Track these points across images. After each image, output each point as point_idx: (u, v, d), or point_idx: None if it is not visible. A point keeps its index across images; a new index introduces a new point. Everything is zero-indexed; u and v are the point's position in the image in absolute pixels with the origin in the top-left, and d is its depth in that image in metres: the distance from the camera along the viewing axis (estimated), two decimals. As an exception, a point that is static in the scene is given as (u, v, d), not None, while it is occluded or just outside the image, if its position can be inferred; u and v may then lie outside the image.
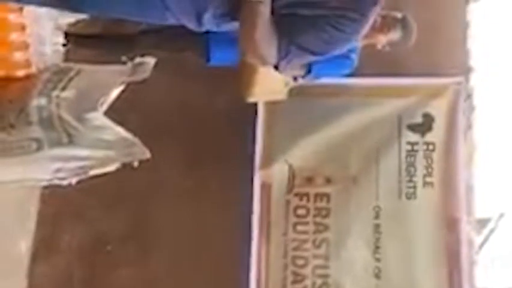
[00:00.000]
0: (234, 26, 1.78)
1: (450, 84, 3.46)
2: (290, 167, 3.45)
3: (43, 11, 2.29)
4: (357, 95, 3.47)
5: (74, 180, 2.15)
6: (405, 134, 3.45)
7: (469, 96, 3.49)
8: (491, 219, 4.44)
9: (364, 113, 3.45)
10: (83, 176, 2.15)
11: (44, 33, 2.37)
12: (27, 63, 2.31)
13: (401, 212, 3.38)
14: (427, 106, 3.46)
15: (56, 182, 2.14)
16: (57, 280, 3.34)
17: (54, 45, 2.46)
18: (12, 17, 2.23)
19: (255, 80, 2.91)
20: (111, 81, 2.29)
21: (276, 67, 1.82)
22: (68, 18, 2.74)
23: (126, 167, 2.18)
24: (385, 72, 3.44)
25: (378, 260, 3.34)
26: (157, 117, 3.44)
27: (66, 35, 2.69)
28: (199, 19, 1.80)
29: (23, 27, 2.26)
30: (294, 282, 3.35)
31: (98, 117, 2.20)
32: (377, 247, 3.34)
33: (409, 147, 3.44)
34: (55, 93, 2.21)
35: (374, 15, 1.82)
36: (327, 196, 3.42)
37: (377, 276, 3.33)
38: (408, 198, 3.39)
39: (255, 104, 3.40)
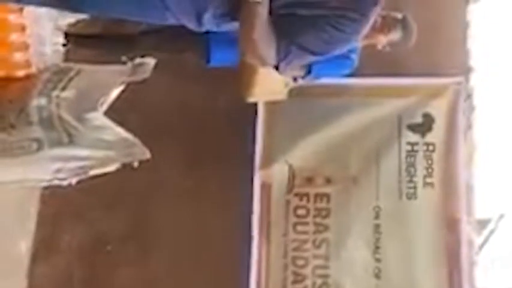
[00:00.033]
0: (234, 26, 1.79)
1: (450, 84, 3.46)
2: (290, 167, 3.45)
3: (43, 11, 2.29)
4: (357, 95, 3.47)
5: (74, 181, 2.14)
6: (405, 134, 3.44)
7: (469, 96, 3.49)
8: (492, 220, 4.44)
9: (364, 113, 3.45)
10: (83, 176, 2.15)
11: (44, 34, 2.37)
12: (27, 64, 2.31)
13: (401, 212, 3.38)
14: (427, 106, 3.46)
15: (56, 182, 2.14)
16: (57, 280, 3.34)
17: (54, 45, 2.46)
18: (12, 18, 2.23)
19: (255, 80, 2.92)
20: (111, 81, 2.30)
21: (276, 68, 1.82)
22: (68, 19, 2.74)
23: (126, 167, 2.18)
24: (385, 72, 3.44)
25: (378, 260, 3.34)
26: (157, 117, 3.44)
27: (66, 35, 2.69)
28: (199, 19, 1.80)
29: (23, 28, 2.26)
30: (294, 282, 3.35)
31: (98, 117, 2.20)
32: (377, 247, 3.34)
33: (409, 147, 3.44)
34: (55, 93, 2.21)
35: (374, 16, 1.82)
36: (327, 196, 3.42)
37: (377, 276, 3.33)
38: (408, 198, 3.39)
39: (255, 104, 3.40)
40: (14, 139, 2.13)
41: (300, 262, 3.36)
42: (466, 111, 3.46)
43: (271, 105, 3.42)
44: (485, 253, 4.15)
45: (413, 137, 3.45)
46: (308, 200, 3.43)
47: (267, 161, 3.44)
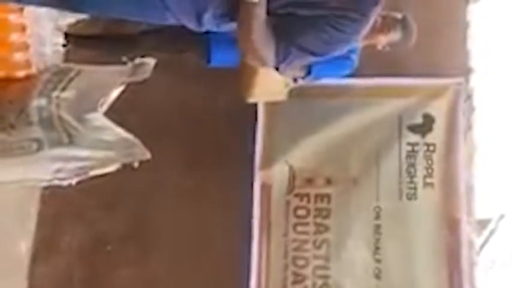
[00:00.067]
0: (233, 26, 1.79)
1: (450, 84, 3.46)
2: (290, 167, 3.45)
3: (43, 11, 2.29)
4: (357, 96, 3.47)
5: (74, 181, 2.15)
6: (405, 134, 3.44)
7: (469, 97, 3.48)
8: (492, 220, 4.44)
9: (364, 114, 3.45)
10: (83, 177, 2.15)
11: (44, 34, 2.37)
12: (28, 64, 2.31)
13: (401, 212, 3.38)
14: (427, 107, 3.46)
15: (56, 182, 2.14)
16: (58, 280, 3.34)
17: (54, 45, 2.46)
18: (13, 18, 2.23)
19: (255, 81, 2.92)
20: (111, 81, 2.30)
21: (277, 68, 1.82)
22: (68, 19, 2.74)
23: (126, 167, 2.18)
24: (385, 72, 3.43)
25: (378, 260, 3.33)
26: (157, 117, 3.44)
27: (66, 35, 2.69)
28: (199, 19, 1.80)
29: (23, 28, 2.27)
30: (295, 282, 3.35)
31: (98, 117, 2.20)
32: (377, 248, 3.34)
33: (409, 147, 3.44)
34: (55, 93, 2.21)
35: (374, 16, 1.82)
36: (328, 197, 3.42)
37: (377, 276, 3.32)
38: (408, 198, 3.39)
39: (255, 105, 3.40)
40: (14, 139, 2.13)
41: (300, 262, 3.36)
42: (466, 112, 3.46)
43: (271, 105, 3.42)
44: (486, 253, 4.14)
45: (413, 138, 3.45)
46: (308, 201, 3.43)
47: (267, 162, 3.44)
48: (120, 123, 2.23)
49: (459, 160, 3.41)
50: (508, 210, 4.51)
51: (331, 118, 3.44)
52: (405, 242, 3.34)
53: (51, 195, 3.19)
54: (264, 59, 1.78)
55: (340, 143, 3.43)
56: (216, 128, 3.46)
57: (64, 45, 2.60)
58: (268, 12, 1.72)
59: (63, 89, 2.24)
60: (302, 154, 3.44)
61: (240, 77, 2.96)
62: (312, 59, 1.87)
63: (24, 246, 3.23)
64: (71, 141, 2.14)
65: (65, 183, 2.14)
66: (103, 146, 2.17)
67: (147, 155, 2.15)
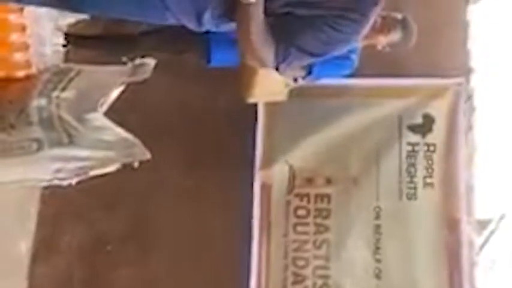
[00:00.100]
0: (233, 26, 1.78)
1: (450, 85, 3.46)
2: (290, 167, 3.45)
3: (43, 11, 2.29)
4: (357, 96, 3.47)
5: (74, 181, 2.15)
6: (406, 134, 3.44)
7: (469, 97, 3.48)
8: (492, 221, 4.43)
9: (364, 114, 3.45)
10: (83, 177, 2.15)
11: (44, 34, 2.37)
12: (28, 64, 2.31)
13: (401, 212, 3.38)
14: (428, 107, 3.46)
15: (56, 182, 2.14)
16: (58, 280, 3.34)
17: (54, 45, 2.46)
18: (13, 18, 2.23)
19: (255, 81, 2.92)
20: (111, 81, 2.30)
21: (277, 68, 1.82)
22: (68, 19, 2.74)
23: (126, 167, 2.18)
24: (385, 72, 3.44)
25: (378, 260, 3.33)
26: (157, 117, 3.44)
27: (66, 35, 2.69)
28: (199, 19, 1.80)
29: (23, 28, 2.27)
30: (295, 282, 3.35)
31: (98, 117, 2.20)
32: (377, 248, 3.34)
33: (409, 147, 3.44)
34: (55, 93, 2.21)
35: (374, 16, 1.82)
36: (328, 197, 3.42)
37: (377, 276, 3.32)
38: (409, 198, 3.39)
39: (255, 105, 3.40)
40: (14, 139, 2.13)
41: (301, 263, 3.36)
42: (467, 112, 3.46)
43: (271, 106, 3.42)
44: (486, 254, 4.14)
45: (413, 138, 3.45)
46: (308, 201, 3.43)
47: (267, 162, 3.44)
48: (120, 123, 2.23)
49: (459, 160, 3.41)
50: (508, 211, 4.51)
51: (331, 118, 3.44)
52: (405, 242, 3.34)
53: (51, 195, 3.19)
54: (263, 60, 1.77)
55: (340, 143, 3.44)
56: (216, 128, 3.46)
57: (64, 45, 2.60)
58: (267, 13, 1.71)
59: (63, 89, 2.24)
60: (302, 154, 3.44)
61: (240, 77, 2.96)
62: (311, 59, 1.86)
63: (24, 246, 3.23)
64: (71, 141, 2.14)
65: (65, 183, 2.14)
66: (103, 146, 2.17)
67: (147, 155, 2.15)
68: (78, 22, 2.90)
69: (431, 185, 3.40)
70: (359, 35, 1.82)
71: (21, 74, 2.30)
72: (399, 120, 3.45)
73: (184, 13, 1.79)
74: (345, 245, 3.35)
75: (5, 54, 2.27)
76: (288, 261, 3.37)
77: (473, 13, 3.62)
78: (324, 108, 3.45)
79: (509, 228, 4.52)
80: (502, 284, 4.41)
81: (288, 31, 1.74)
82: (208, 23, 1.81)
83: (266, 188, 3.43)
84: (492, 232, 4.37)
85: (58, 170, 2.12)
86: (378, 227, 3.36)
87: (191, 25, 1.83)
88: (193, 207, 3.39)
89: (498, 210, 4.48)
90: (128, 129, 2.22)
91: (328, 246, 3.36)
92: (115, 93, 2.29)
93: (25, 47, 2.29)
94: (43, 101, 2.18)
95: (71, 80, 2.28)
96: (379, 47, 3.09)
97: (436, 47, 3.50)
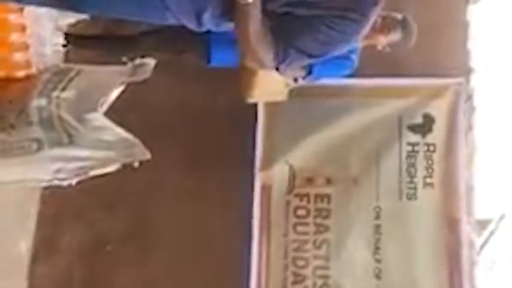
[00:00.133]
0: (232, 26, 1.78)
1: (450, 85, 3.46)
2: (290, 167, 3.45)
3: (43, 11, 2.29)
4: (357, 96, 3.47)
5: (74, 181, 2.15)
6: (406, 134, 3.44)
7: (469, 97, 3.48)
8: (492, 221, 4.43)
9: (364, 114, 3.45)
10: (83, 177, 2.15)
11: (44, 34, 2.37)
12: (28, 64, 2.31)
13: (401, 212, 3.38)
14: (428, 107, 3.46)
15: (56, 182, 2.14)
16: (58, 280, 3.34)
17: (54, 45, 2.46)
18: (13, 18, 2.23)
19: (255, 81, 2.92)
20: (111, 81, 2.30)
21: (277, 69, 1.82)
22: (68, 19, 2.74)
23: (126, 167, 2.18)
24: (385, 72, 3.44)
25: (378, 260, 3.33)
26: (157, 117, 3.44)
27: (66, 35, 2.69)
28: (199, 19, 1.79)
29: (23, 28, 2.27)
30: (295, 282, 3.35)
31: (98, 117, 2.20)
32: (377, 248, 3.34)
33: (409, 147, 3.44)
34: (55, 93, 2.21)
35: (374, 16, 1.82)
36: (328, 197, 3.42)
37: (377, 276, 3.32)
38: (409, 198, 3.39)
39: (255, 105, 3.40)
40: (14, 139, 2.13)
41: (301, 263, 3.36)
42: (467, 112, 3.46)
43: (271, 106, 3.42)
44: (486, 253, 4.14)
45: (413, 138, 3.45)
46: (308, 201, 3.43)
47: (267, 162, 3.44)
48: (120, 123, 2.23)
49: (459, 160, 3.41)
50: (508, 211, 4.51)
51: (331, 118, 3.44)
52: (405, 242, 3.34)
53: (51, 195, 3.19)
54: (262, 61, 1.77)
55: (340, 143, 3.44)
56: (216, 128, 3.46)
57: (64, 45, 2.60)
58: (267, 13, 1.71)
59: (63, 89, 2.24)
60: (302, 154, 3.44)
61: (240, 77, 2.96)
62: (310, 60, 1.86)
63: (24, 246, 3.24)
64: (71, 141, 2.14)
65: (65, 183, 2.14)
66: (103, 146, 2.17)
67: (147, 155, 2.15)
68: (78, 22, 2.90)
69: (431, 185, 3.40)
70: (359, 35, 1.82)
71: (21, 74, 2.30)
72: (399, 120, 3.45)
73: (184, 13, 1.79)
74: (345, 245, 3.35)
75: (5, 54, 2.27)
76: (288, 261, 3.37)
77: (473, 13, 3.62)
78: (324, 108, 3.45)
79: (509, 228, 4.52)
80: (502, 284, 4.41)
81: (287, 31, 1.74)
82: (208, 23, 1.81)
83: (266, 188, 3.43)
84: (492, 232, 4.37)
85: (58, 170, 2.13)
86: (377, 227, 3.36)
87: (191, 25, 1.83)
88: (193, 207, 3.39)
89: (498, 210, 4.48)
90: (128, 129, 2.22)
91: (328, 246, 3.36)
92: (115, 93, 2.29)
93: (25, 47, 2.29)
94: (43, 101, 2.19)
95: (71, 80, 2.28)
96: (379, 47, 3.09)
97: (436, 47, 3.50)
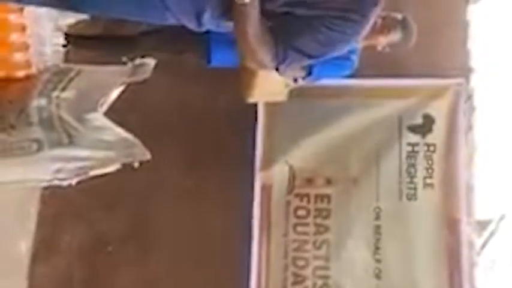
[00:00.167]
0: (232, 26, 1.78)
1: (450, 85, 3.46)
2: (290, 167, 3.45)
3: (43, 11, 2.29)
4: (357, 96, 3.47)
5: (74, 181, 2.15)
6: (405, 135, 3.44)
7: (469, 97, 3.48)
8: (492, 221, 4.43)
9: (364, 114, 3.45)
10: (83, 177, 2.15)
11: (44, 34, 2.37)
12: (28, 64, 2.31)
13: (401, 213, 3.38)
14: (428, 107, 3.46)
15: (56, 182, 2.14)
16: (58, 281, 3.34)
17: (54, 45, 2.46)
18: (13, 18, 2.23)
19: (255, 81, 2.91)
20: (111, 81, 2.30)
21: (277, 69, 1.82)
22: (68, 19, 2.74)
23: (126, 167, 2.18)
24: (385, 73, 3.44)
25: (378, 261, 3.33)
26: (157, 117, 3.44)
27: (67, 35, 2.69)
28: (199, 19, 1.80)
29: (23, 28, 2.27)
30: (295, 283, 3.35)
31: (98, 117, 2.20)
32: (377, 248, 3.34)
33: (409, 148, 3.44)
34: (55, 93, 2.21)
35: (374, 16, 1.82)
36: (328, 197, 3.42)
37: (377, 277, 3.33)
38: (409, 199, 3.39)
39: (255, 105, 3.41)
40: (14, 140, 2.13)
41: (301, 263, 3.36)
42: (467, 112, 3.46)
43: (271, 106, 3.42)
44: (486, 254, 4.14)
45: (413, 138, 3.45)
46: (308, 201, 3.43)
47: (267, 162, 3.44)
48: (120, 123, 2.23)
49: (459, 160, 3.41)
50: (508, 211, 4.51)
51: (331, 118, 3.44)
52: (405, 243, 3.34)
53: (51, 195, 3.19)
54: (261, 61, 1.77)
55: (340, 144, 3.44)
56: (216, 128, 3.46)
57: (64, 45, 2.60)
58: (267, 13, 1.71)
59: (63, 89, 2.24)
60: (302, 154, 3.44)
61: (240, 78, 2.96)
62: (310, 61, 1.86)
63: (24, 246, 3.24)
64: (71, 142, 2.14)
65: (65, 183, 2.14)
66: (103, 146, 2.17)
67: (147, 155, 2.15)
68: (78, 22, 2.90)
69: (431, 185, 3.40)
70: (359, 36, 1.82)
71: (21, 74, 2.30)
72: (399, 121, 3.45)
73: (184, 13, 1.79)
74: (345, 245, 3.35)
75: (5, 54, 2.27)
76: (288, 261, 3.37)
77: (473, 13, 3.62)
78: (324, 108, 3.45)
79: (509, 229, 4.52)
80: (502, 284, 4.41)
81: (287, 32, 1.74)
82: (208, 23, 1.81)
83: (266, 188, 3.43)
84: (492, 233, 4.37)
85: (58, 170, 2.13)
86: (377, 227, 3.36)
87: (191, 25, 1.83)
88: (193, 207, 3.39)
89: (498, 211, 4.48)
90: (128, 129, 2.22)
91: (328, 247, 3.36)
92: (115, 93, 2.29)
93: (25, 47, 2.29)
94: (43, 101, 2.19)
95: (71, 80, 2.28)
96: (379, 48, 3.09)
97: (436, 47, 3.49)
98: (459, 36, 3.58)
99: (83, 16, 2.64)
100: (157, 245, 3.39)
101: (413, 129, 3.45)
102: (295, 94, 3.20)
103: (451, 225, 3.34)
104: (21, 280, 3.23)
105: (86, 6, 1.85)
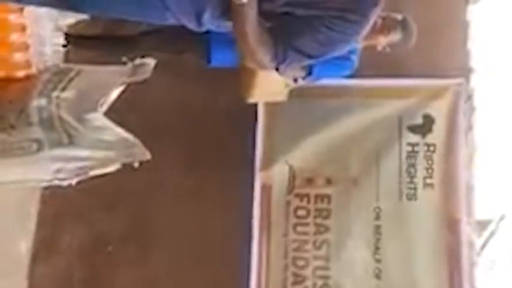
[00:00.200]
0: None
1: (450, 85, 3.46)
2: (290, 167, 3.45)
3: (43, 11, 2.29)
4: (357, 96, 3.47)
5: (74, 181, 2.15)
6: (405, 135, 3.45)
7: (469, 97, 3.48)
8: (492, 221, 4.44)
9: (364, 114, 3.45)
10: (83, 177, 2.15)
11: (44, 34, 2.37)
12: (28, 64, 2.31)
13: (401, 213, 3.38)
14: (428, 107, 3.46)
15: (56, 182, 2.14)
16: (58, 281, 3.34)
17: (54, 45, 2.46)
18: (13, 18, 2.23)
19: (255, 81, 2.92)
20: (111, 81, 2.30)
21: (277, 69, 1.82)
22: (68, 19, 2.74)
23: (126, 167, 2.18)
24: (385, 73, 3.44)
25: (378, 261, 3.33)
26: (157, 117, 3.44)
27: (67, 35, 2.69)
28: (199, 19, 1.80)
29: (23, 28, 2.27)
30: (295, 283, 3.35)
31: (98, 117, 2.20)
32: (377, 248, 3.34)
33: (409, 148, 3.44)
34: (55, 93, 2.21)
35: (374, 17, 1.82)
36: (328, 197, 3.42)
37: (377, 277, 3.33)
38: (409, 199, 3.39)
39: (255, 105, 3.41)
40: (14, 140, 2.13)
41: (301, 263, 3.36)
42: (467, 112, 3.46)
43: (271, 106, 3.42)
44: (486, 254, 4.14)
45: (413, 138, 3.45)
46: (308, 201, 3.43)
47: (267, 162, 3.44)
48: (120, 123, 2.23)
49: (459, 160, 3.41)
50: (508, 211, 4.51)
51: (331, 118, 3.44)
52: (405, 243, 3.34)
53: (51, 195, 3.19)
54: (261, 61, 1.78)
55: (340, 144, 3.44)
56: (216, 128, 3.46)
57: (64, 45, 2.60)
58: (267, 13, 1.71)
59: (63, 89, 2.24)
60: (302, 154, 3.44)
61: (240, 78, 2.96)
62: (310, 61, 1.87)
63: (24, 246, 3.24)
64: (71, 142, 2.14)
65: (65, 183, 2.14)
66: (103, 146, 2.17)
67: (147, 155, 2.15)
68: (78, 22, 2.90)
69: (431, 185, 3.40)
70: (359, 36, 1.82)
71: (21, 74, 2.30)
72: (399, 121, 3.45)
73: (184, 13, 1.79)
74: (345, 245, 3.35)
75: (5, 54, 2.27)
76: (288, 261, 3.37)
77: (473, 13, 3.62)
78: (324, 108, 3.45)
79: (509, 229, 4.52)
80: (502, 284, 4.41)
81: (287, 32, 1.74)
82: (208, 23, 1.81)
83: (266, 188, 3.43)
84: (492, 233, 4.37)
85: (58, 170, 2.13)
86: (378, 227, 3.36)
87: (191, 25, 1.83)
88: (193, 207, 3.39)
89: (498, 211, 4.48)
90: (128, 129, 2.22)
91: (328, 247, 3.36)
92: (115, 93, 2.29)
93: (25, 47, 2.29)
94: (43, 101, 2.19)
95: (71, 80, 2.28)
96: (379, 48, 3.09)
97: (436, 47, 3.50)
98: (459, 36, 3.58)
99: (83, 16, 2.64)
100: (157, 245, 3.39)
101: (413, 129, 3.45)
102: (295, 94, 3.20)
103: (451, 225, 3.34)
104: (21, 280, 3.23)
105: (86, 6, 1.85)
